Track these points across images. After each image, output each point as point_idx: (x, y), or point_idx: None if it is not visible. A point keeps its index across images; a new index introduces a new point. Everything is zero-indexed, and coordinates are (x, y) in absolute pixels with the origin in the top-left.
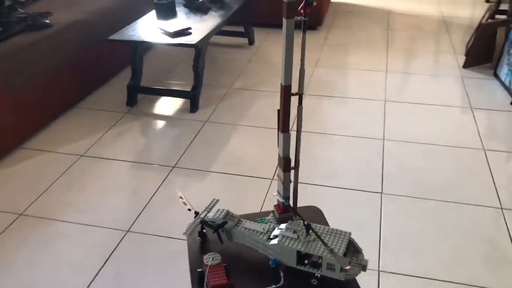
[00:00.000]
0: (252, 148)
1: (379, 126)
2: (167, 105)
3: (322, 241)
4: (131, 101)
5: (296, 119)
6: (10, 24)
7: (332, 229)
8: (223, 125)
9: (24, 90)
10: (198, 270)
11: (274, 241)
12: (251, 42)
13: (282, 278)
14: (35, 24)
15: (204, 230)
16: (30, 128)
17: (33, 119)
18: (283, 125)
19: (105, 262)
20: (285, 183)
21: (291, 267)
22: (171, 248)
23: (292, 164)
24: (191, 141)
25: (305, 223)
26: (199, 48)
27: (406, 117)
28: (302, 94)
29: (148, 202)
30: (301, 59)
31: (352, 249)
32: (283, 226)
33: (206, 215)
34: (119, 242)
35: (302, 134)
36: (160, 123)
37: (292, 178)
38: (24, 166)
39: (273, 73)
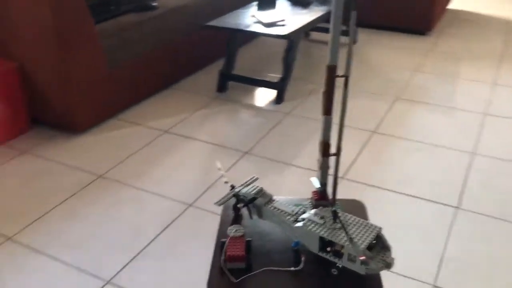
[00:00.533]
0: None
1: (470, 139)
2: (254, 95)
3: (345, 229)
4: (222, 87)
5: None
6: (120, 3)
7: (363, 221)
8: (305, 119)
9: (124, 66)
10: (222, 240)
11: (299, 224)
12: (353, 42)
13: (302, 262)
14: (142, 5)
15: (238, 205)
16: (125, 102)
17: (129, 94)
18: (326, 107)
19: (162, 230)
20: (323, 168)
21: (314, 253)
22: None
23: (334, 150)
24: (269, 131)
25: (333, 210)
26: (291, 40)
27: (506, 134)
28: (348, 76)
29: (214, 183)
30: (349, 43)
31: (381, 245)
32: (313, 211)
33: (241, 189)
34: (180, 214)
35: (383, 136)
36: (244, 111)
37: (333, 165)
38: (113, 135)
39: (370, 74)
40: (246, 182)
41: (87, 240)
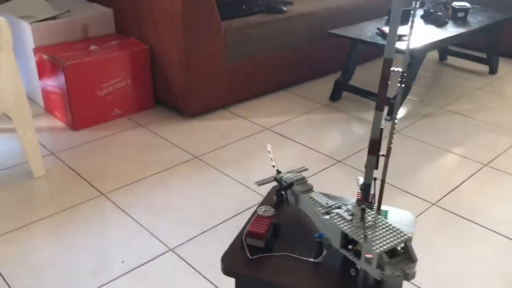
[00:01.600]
0: (432, 171)
1: None
2: (366, 108)
3: (364, 226)
4: (335, 96)
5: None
6: (253, 4)
7: (393, 227)
8: (412, 140)
9: (243, 62)
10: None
11: (327, 216)
12: (492, 71)
13: (323, 255)
14: (272, 8)
15: (282, 192)
16: (237, 96)
17: (243, 89)
18: (378, 102)
19: (234, 216)
20: (368, 167)
21: (338, 250)
22: None
23: (384, 152)
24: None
25: (362, 207)
26: (413, 57)
27: None
28: (405, 73)
29: None
30: (408, 34)
31: (407, 256)
32: (345, 207)
33: (283, 175)
34: (253, 205)
35: (495, 171)
36: (350, 121)
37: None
38: (219, 123)
39: (503, 107)
40: (293, 170)
41: (166, 209)
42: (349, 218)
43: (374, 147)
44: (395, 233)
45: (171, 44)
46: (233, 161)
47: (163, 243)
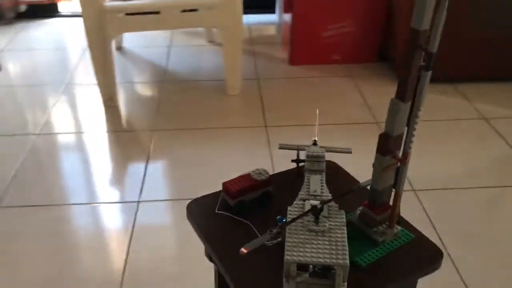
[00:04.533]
0: None
1: None
2: None
3: (304, 225)
4: None
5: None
6: None
7: (341, 245)
8: None
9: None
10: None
11: (295, 203)
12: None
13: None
14: None
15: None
16: (471, 73)
17: (482, 67)
18: (400, 89)
19: None
20: (374, 169)
21: None
22: None
23: (400, 154)
24: None
25: (316, 205)
26: None
27: None
28: (432, 54)
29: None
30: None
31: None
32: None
33: (311, 148)
34: None
35: None
36: None
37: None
38: (431, 97)
39: None
40: (334, 147)
41: None
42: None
43: (382, 143)
44: (334, 251)
45: None
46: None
47: None
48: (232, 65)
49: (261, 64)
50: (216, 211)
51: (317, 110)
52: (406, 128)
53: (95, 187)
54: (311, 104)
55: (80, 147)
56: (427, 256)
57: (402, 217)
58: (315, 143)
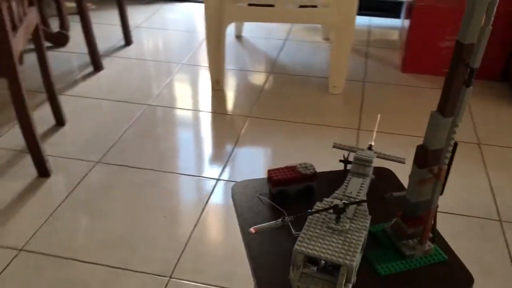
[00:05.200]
0: None
1: None
2: None
3: (325, 221)
4: None
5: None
6: None
7: (355, 244)
8: None
9: None
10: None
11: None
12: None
13: None
14: None
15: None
16: None
17: None
18: (441, 102)
19: None
20: (410, 180)
21: None
22: None
23: (435, 169)
24: None
25: (342, 202)
26: None
27: None
28: (474, 69)
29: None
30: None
31: (331, 279)
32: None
33: (363, 152)
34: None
35: None
36: None
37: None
38: None
39: None
40: (388, 155)
41: None
42: (331, 211)
43: (420, 156)
44: (344, 251)
45: None
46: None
47: None
48: (337, 64)
49: (371, 67)
50: (258, 195)
51: (378, 116)
52: None
53: (183, 159)
54: (412, 114)
55: (180, 121)
56: (455, 280)
57: (442, 237)
58: (370, 148)
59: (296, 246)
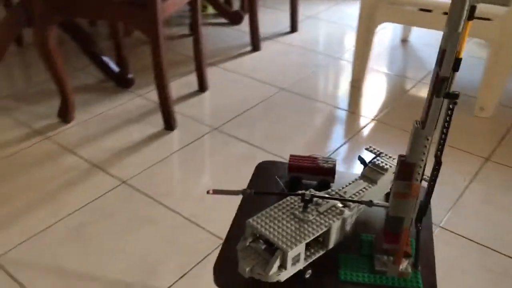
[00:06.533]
0: None
1: None
2: None
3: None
4: None
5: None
6: None
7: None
8: None
9: None
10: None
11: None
12: None
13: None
14: None
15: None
16: None
17: None
18: (422, 114)
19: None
20: (391, 191)
21: None
22: None
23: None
24: None
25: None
26: None
27: None
28: (443, 78)
29: None
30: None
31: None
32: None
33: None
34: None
35: None
36: None
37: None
38: None
39: None
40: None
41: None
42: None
43: (406, 170)
44: (289, 237)
45: None
46: None
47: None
48: (491, 84)
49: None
50: (276, 176)
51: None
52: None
53: (289, 145)
54: None
55: (305, 109)
56: None
57: (432, 267)
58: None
59: (250, 220)
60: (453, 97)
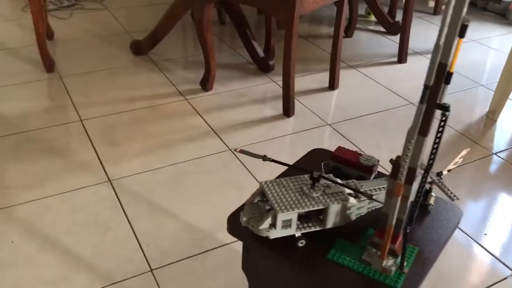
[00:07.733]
0: None
1: None
2: None
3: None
4: None
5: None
6: None
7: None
8: None
9: None
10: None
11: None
12: None
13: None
14: None
15: None
16: None
17: None
18: (422, 125)
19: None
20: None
21: None
22: None
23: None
24: None
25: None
26: None
27: None
28: (427, 87)
29: None
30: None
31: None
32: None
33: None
34: None
35: None
36: None
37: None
38: None
39: None
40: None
41: None
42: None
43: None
44: (287, 204)
45: None
46: None
47: None
48: None
49: None
50: (322, 162)
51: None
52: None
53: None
54: None
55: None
56: None
57: (421, 274)
58: (439, 174)
59: (262, 182)
60: (444, 109)
